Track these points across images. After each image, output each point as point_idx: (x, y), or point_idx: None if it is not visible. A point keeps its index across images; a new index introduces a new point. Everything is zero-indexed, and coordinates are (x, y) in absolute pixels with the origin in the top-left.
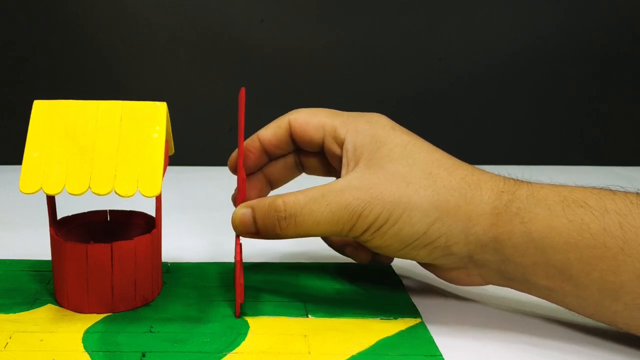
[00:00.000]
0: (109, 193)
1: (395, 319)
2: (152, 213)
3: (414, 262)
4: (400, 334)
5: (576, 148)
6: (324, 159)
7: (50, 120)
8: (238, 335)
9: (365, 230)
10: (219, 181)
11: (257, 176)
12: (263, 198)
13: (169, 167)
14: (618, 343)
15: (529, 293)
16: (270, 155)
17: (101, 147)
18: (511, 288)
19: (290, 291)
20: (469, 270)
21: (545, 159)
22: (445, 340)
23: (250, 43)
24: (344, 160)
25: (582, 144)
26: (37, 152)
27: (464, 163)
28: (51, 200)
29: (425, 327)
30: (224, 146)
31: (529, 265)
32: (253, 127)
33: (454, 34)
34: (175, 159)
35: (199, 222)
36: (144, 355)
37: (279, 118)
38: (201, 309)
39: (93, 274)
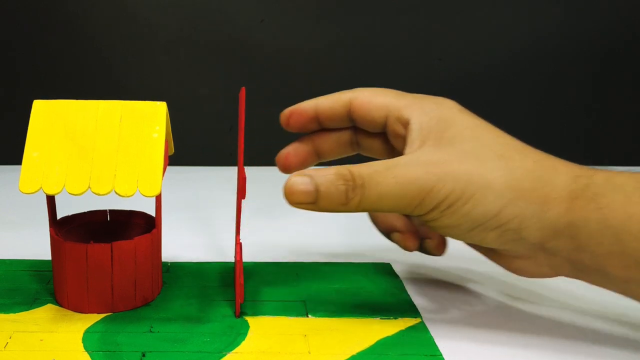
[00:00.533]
0: (108, 193)
1: (395, 318)
2: (152, 213)
3: (414, 263)
4: (400, 334)
5: (576, 148)
6: (384, 141)
7: (50, 120)
8: (238, 335)
9: (434, 208)
10: (219, 181)
11: (305, 145)
12: (323, 168)
13: (169, 167)
14: (622, 342)
15: (602, 286)
16: (321, 125)
17: (101, 147)
18: (582, 280)
19: (290, 291)
20: (537, 260)
21: None
22: (446, 340)
23: (250, 43)
24: (409, 140)
25: (582, 144)
26: (37, 152)
27: (535, 148)
28: (51, 200)
29: (425, 327)
30: (224, 146)
31: (604, 254)
32: (253, 127)
33: (454, 34)
34: (175, 159)
35: (199, 222)
36: (144, 355)
37: (341, 92)
38: (201, 309)
39: (93, 273)
